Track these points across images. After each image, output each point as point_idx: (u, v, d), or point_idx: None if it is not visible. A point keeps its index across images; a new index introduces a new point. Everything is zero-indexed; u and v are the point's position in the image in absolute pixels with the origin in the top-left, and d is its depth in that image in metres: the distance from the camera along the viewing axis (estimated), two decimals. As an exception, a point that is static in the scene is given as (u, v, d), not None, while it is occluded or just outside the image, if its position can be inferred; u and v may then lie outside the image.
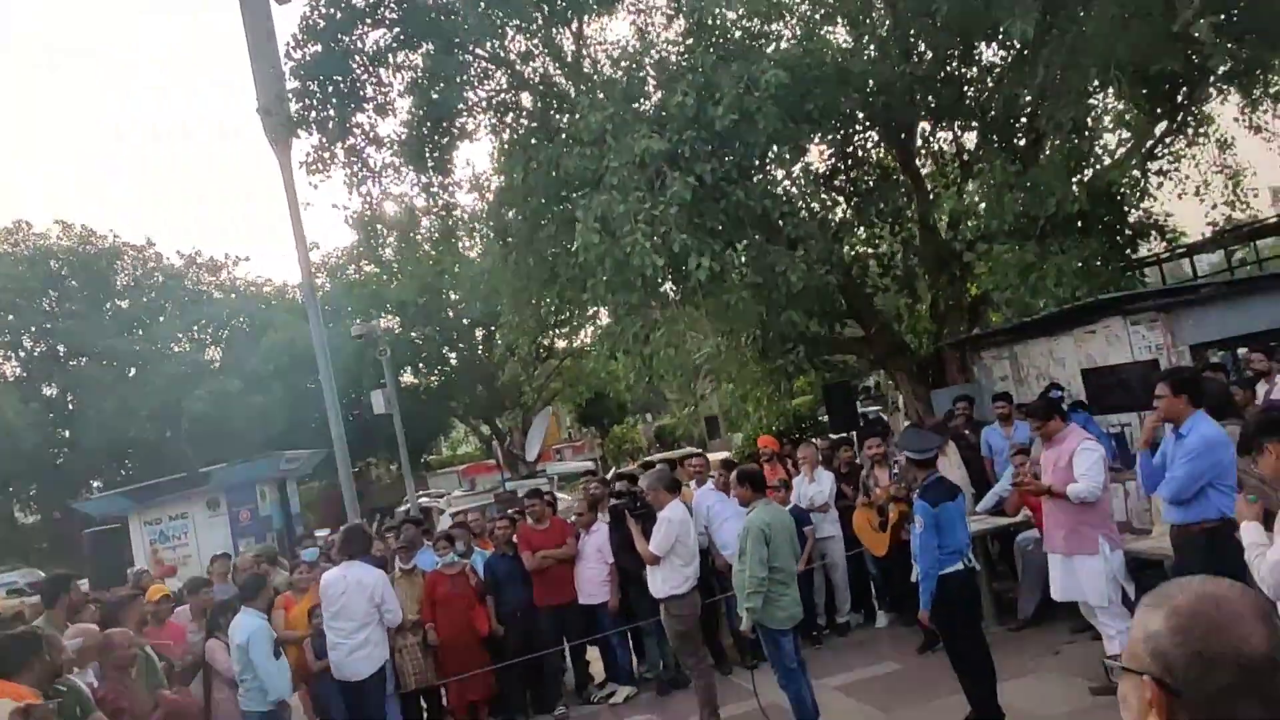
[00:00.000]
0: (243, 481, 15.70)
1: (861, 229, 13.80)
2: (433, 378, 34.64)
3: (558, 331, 20.85)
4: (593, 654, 8.58)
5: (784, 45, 11.91)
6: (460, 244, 18.87)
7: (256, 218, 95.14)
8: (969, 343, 13.37)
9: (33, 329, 29.65)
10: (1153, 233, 12.86)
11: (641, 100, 11.63)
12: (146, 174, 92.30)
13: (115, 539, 13.52)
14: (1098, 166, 11.30)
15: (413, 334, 30.96)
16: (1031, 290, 10.57)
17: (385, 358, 18.19)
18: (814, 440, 9.83)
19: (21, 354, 30.27)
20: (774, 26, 12.58)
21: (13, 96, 79.01)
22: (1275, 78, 11.28)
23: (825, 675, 7.15)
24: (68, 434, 29.88)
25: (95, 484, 29.20)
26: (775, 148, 11.22)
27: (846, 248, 13.24)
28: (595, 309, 13.14)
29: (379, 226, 14.86)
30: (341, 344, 19.77)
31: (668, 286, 11.30)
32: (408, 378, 32.46)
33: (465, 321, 32.44)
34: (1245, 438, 3.78)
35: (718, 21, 11.56)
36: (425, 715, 8.11)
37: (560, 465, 25.15)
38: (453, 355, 34.03)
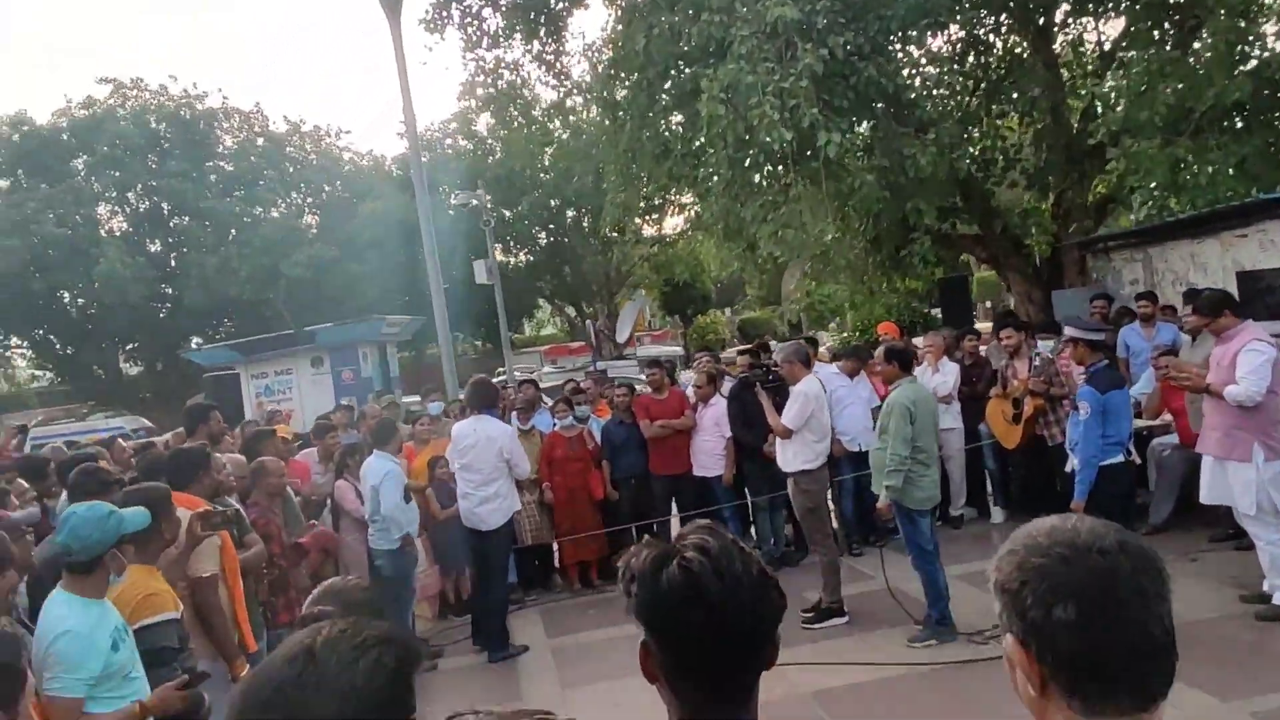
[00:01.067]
0: (346, 342, 16.02)
1: (988, 118, 13.08)
2: (521, 256, 34.76)
3: (658, 213, 20.60)
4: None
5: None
6: (568, 116, 18.55)
7: (359, 91, 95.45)
8: (1093, 243, 12.78)
9: (138, 186, 30.31)
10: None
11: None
12: (258, 39, 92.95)
13: (233, 384, 13.99)
14: (1264, 55, 10.41)
15: (504, 211, 30.92)
16: (1178, 189, 9.96)
17: (489, 228, 18.18)
18: (942, 331, 9.54)
19: (128, 209, 31.04)
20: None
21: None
22: None
23: (949, 563, 7.05)
24: (170, 290, 30.78)
25: (195, 340, 30.21)
26: (911, 23, 10.59)
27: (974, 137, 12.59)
28: (707, 186, 12.79)
29: (490, 91, 14.53)
30: (438, 217, 19.77)
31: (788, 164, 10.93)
32: (498, 256, 32.59)
33: (555, 202, 32.30)
34: None
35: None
36: (538, 570, 8.31)
37: (649, 349, 25.16)
38: (542, 235, 34.02)
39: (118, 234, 30.47)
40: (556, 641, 7.14)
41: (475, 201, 20.17)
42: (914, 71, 11.46)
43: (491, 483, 6.74)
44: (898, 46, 11.27)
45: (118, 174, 29.42)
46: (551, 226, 33.45)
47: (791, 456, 6.57)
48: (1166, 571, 1.15)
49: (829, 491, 8.53)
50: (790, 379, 6.62)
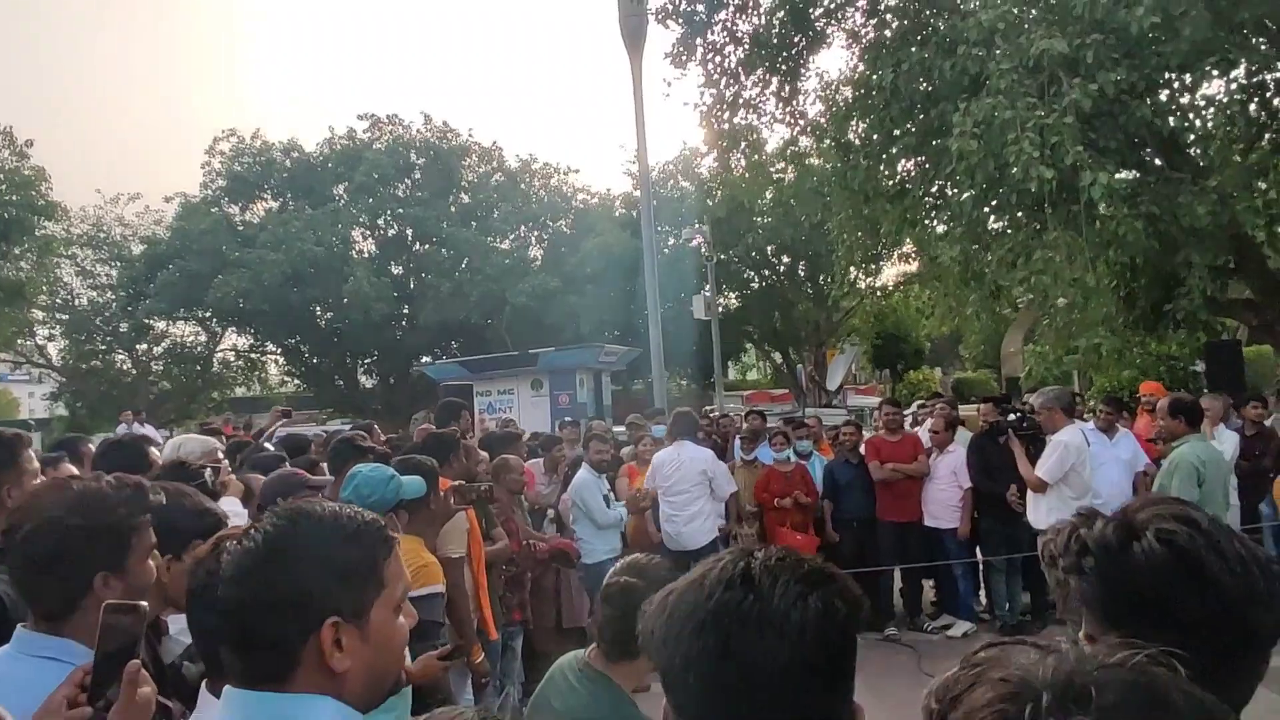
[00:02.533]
0: (566, 366, 16.43)
1: (1275, 170, 11.84)
2: (732, 299, 34.81)
3: (878, 261, 20.03)
4: (927, 581, 8.09)
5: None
6: (798, 157, 18.39)
7: (590, 130, 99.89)
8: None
9: (388, 212, 32.65)
10: None
11: (1039, 2, 10.50)
12: (499, 79, 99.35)
13: (468, 396, 14.59)
14: None
15: (718, 253, 31.11)
16: None
17: (711, 263, 18.24)
18: (1220, 394, 8.58)
19: (377, 234, 33.48)
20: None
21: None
22: None
23: None
24: (407, 310, 32.86)
25: (424, 359, 32.04)
26: (1195, 60, 9.73)
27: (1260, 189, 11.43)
28: (947, 228, 12.23)
29: (724, 127, 14.61)
30: (655, 255, 20.14)
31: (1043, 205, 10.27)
32: (708, 294, 32.87)
33: (770, 247, 32.19)
34: None
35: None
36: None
37: (862, 399, 24.45)
38: (754, 280, 33.94)
39: (367, 255, 32.89)
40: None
41: (699, 237, 20.32)
42: (1192, 114, 10.53)
43: (695, 501, 6.96)
44: (1175, 86, 10.41)
45: (370, 200, 31.82)
46: (765, 271, 33.31)
47: (1045, 513, 6.03)
48: None
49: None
50: (1049, 427, 6.08)
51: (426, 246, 32.76)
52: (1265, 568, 0.99)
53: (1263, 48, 10.44)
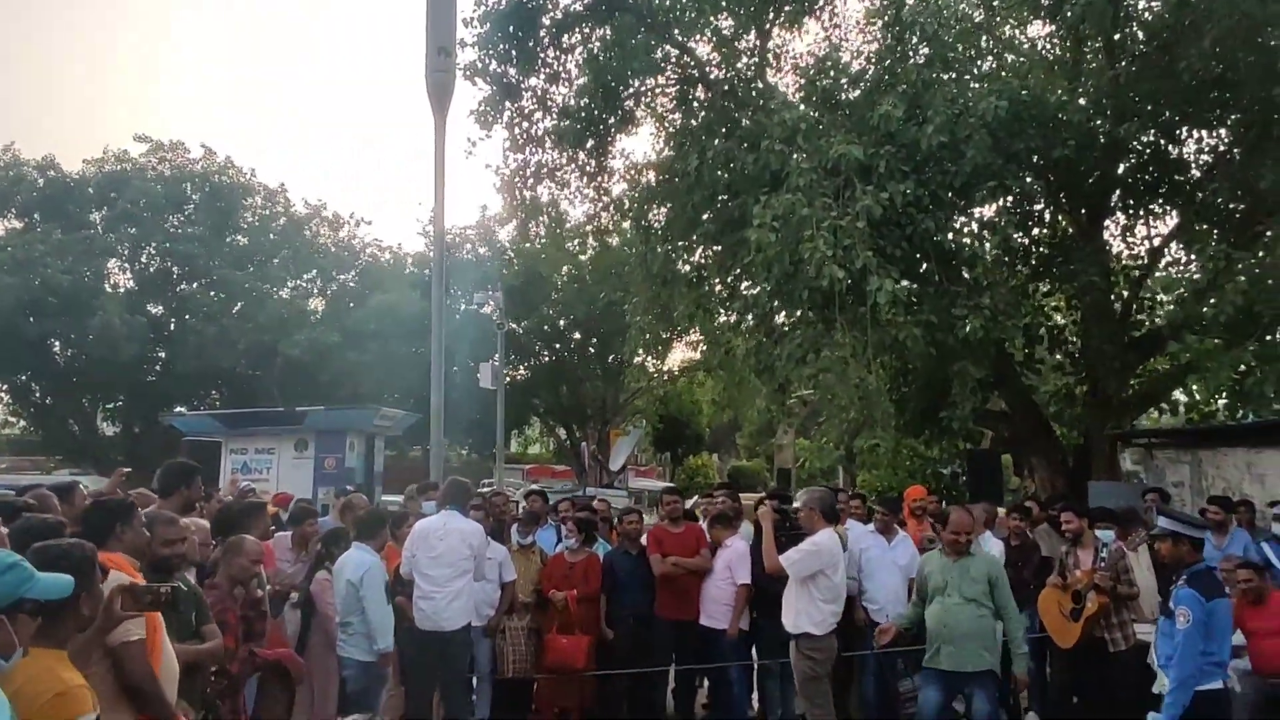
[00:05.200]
0: (336, 428, 15.28)
1: (1034, 295, 12.74)
2: (521, 371, 34.29)
3: (666, 346, 20.18)
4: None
5: (993, 77, 11.06)
6: (598, 234, 18.32)
7: (388, 184, 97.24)
8: (1131, 438, 12.24)
9: (153, 245, 30.00)
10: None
11: (839, 108, 10.88)
12: (291, 119, 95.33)
13: (213, 454, 13.15)
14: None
15: (511, 324, 30.66)
16: (1242, 395, 9.45)
17: (502, 331, 17.67)
18: (982, 504, 8.82)
19: (138, 267, 30.63)
20: (981, 59, 11.77)
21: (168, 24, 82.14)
22: None
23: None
24: (163, 354, 30.10)
25: (179, 409, 29.35)
26: (974, 183, 10.31)
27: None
28: (728, 319, 12.33)
29: (525, 194, 14.27)
30: (445, 319, 19.41)
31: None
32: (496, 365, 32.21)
33: (563, 322, 32.06)
34: None
35: (925, 35, 10.67)
36: (515, 710, 7.33)
37: (643, 481, 24.35)
38: (545, 353, 33.63)
39: (122, 290, 29.99)
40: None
41: (491, 304, 19.74)
42: (970, 233, 11.14)
43: (461, 577, 6.37)
44: (956, 205, 10.99)
45: (134, 230, 29.18)
46: (556, 345, 33.06)
47: (795, 614, 5.88)
48: None
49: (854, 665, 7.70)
50: (808, 528, 5.94)
51: (194, 286, 30.28)
52: None
53: (1028, 180, 11.25)
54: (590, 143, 13.91)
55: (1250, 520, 8.24)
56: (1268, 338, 9.42)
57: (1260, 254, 10.16)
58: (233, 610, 4.46)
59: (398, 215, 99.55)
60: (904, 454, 13.99)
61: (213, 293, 29.77)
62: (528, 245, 28.42)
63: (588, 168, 14.31)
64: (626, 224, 15.36)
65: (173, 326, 30.35)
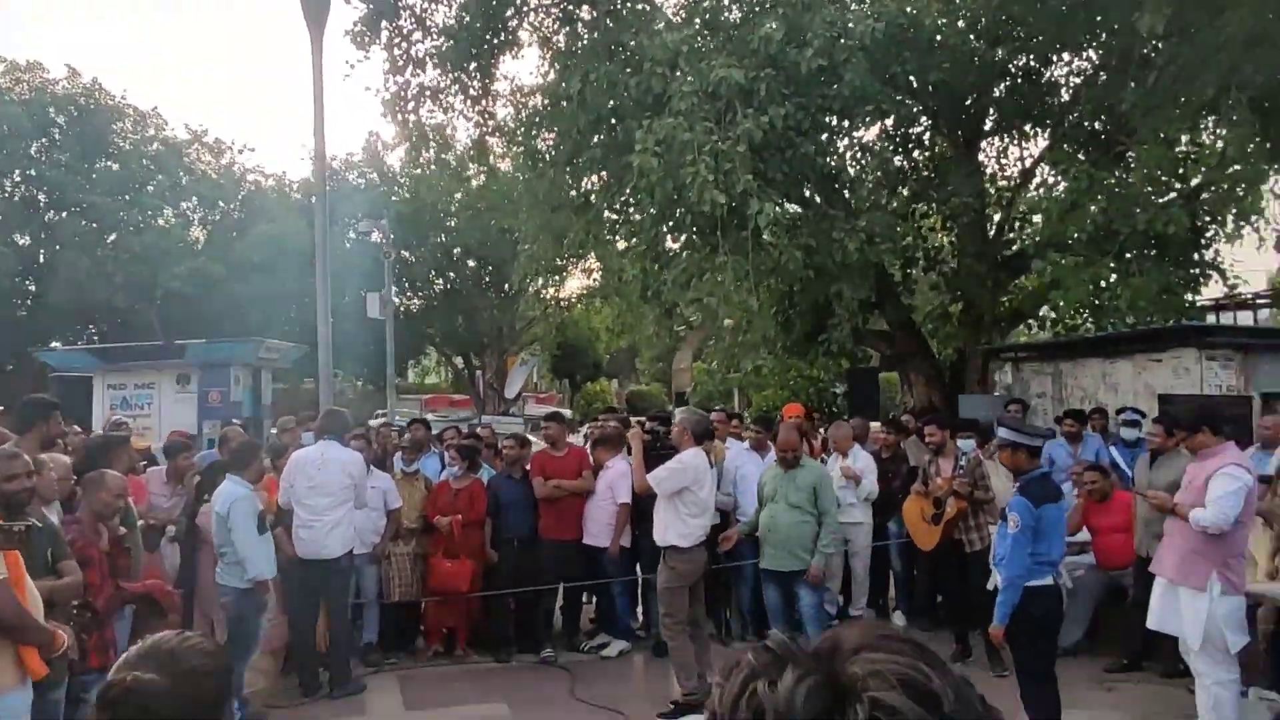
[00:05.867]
0: (219, 361, 14.83)
1: (913, 218, 13.10)
2: (415, 300, 33.74)
3: (562, 273, 20.12)
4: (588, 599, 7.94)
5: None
6: (486, 159, 17.99)
7: (268, 109, 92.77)
8: (1001, 352, 12.83)
9: (16, 173, 28.23)
10: (1214, 275, 12.27)
11: (721, 30, 10.86)
12: (167, 42, 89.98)
13: (84, 390, 12.66)
14: (1186, 189, 10.62)
15: (404, 252, 30.02)
16: (1098, 309, 9.97)
17: (388, 260, 17.31)
18: (848, 419, 9.18)
19: (2, 196, 28.81)
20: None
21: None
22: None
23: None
24: (33, 287, 28.60)
25: (54, 344, 28.03)
26: (852, 107, 10.47)
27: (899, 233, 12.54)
28: (628, 245, 12.36)
29: (409, 119, 13.91)
30: (333, 248, 18.93)
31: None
32: (391, 295, 31.60)
33: (457, 250, 31.56)
34: None
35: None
36: (403, 633, 7.44)
37: (539, 409, 24.43)
38: (439, 282, 33.12)
39: (-17, 219, 28.25)
40: (414, 715, 6.29)
41: (377, 233, 19.27)
42: (849, 157, 11.35)
43: (340, 506, 6.42)
44: (836, 129, 11.16)
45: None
46: (451, 274, 32.56)
47: (663, 529, 6.12)
48: None
49: (729, 577, 8.01)
50: (679, 445, 6.16)
51: (63, 215, 28.66)
52: None
53: (907, 103, 11.47)
54: (473, 65, 13.59)
55: (1104, 427, 8.79)
56: (1125, 255, 9.92)
57: (1120, 174, 10.65)
58: (95, 546, 4.39)
59: (283, 142, 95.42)
60: (791, 374, 14.35)
61: (84, 222, 28.23)
62: (418, 171, 27.72)
63: (471, 90, 14.00)
64: (515, 149, 15.13)
65: (42, 258, 28.79)
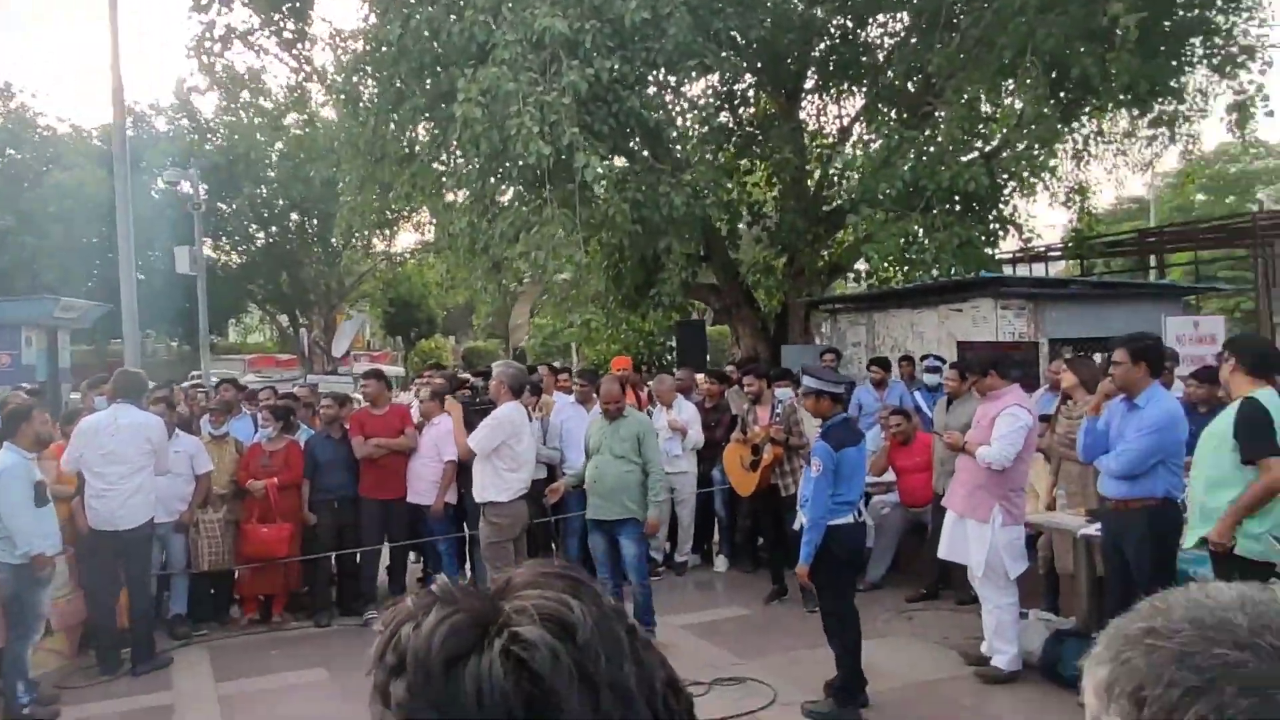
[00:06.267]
0: (8, 321, 13.66)
1: (738, 173, 13.36)
2: (234, 255, 32.03)
3: (392, 226, 19.49)
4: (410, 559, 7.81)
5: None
6: (305, 107, 17.16)
7: (64, 53, 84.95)
8: (821, 304, 13.33)
9: None
10: (1010, 229, 13.10)
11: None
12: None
13: None
14: (986, 149, 11.25)
15: (220, 204, 28.37)
16: (906, 262, 10.48)
17: (199, 212, 16.28)
18: (672, 372, 9.34)
19: None
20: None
21: None
22: (1168, 102, 11.54)
23: (669, 613, 6.71)
24: None
25: None
26: (677, 61, 10.51)
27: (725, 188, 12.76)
28: (453, 198, 12.08)
29: (218, 62, 13.10)
30: (139, 199, 17.64)
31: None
32: (207, 250, 29.82)
33: (281, 202, 30.08)
34: None
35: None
36: (215, 602, 7.11)
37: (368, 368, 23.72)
38: (261, 235, 31.52)
39: None
40: (225, 687, 6.03)
41: (186, 183, 18.09)
42: (675, 111, 11.41)
43: (138, 473, 6.05)
44: (662, 83, 11.20)
45: None
46: (273, 228, 31.00)
47: (481, 486, 6.10)
48: None
49: (554, 530, 8.06)
50: (496, 399, 6.14)
51: None
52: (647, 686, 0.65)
53: (731, 58, 11.63)
54: (286, 5, 12.88)
55: (911, 373, 9.29)
56: (932, 211, 10.43)
57: (928, 133, 11.17)
58: None
59: (85, 91, 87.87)
60: (623, 328, 14.46)
61: None
62: (232, 119, 26.17)
63: (285, 33, 13.27)
64: (337, 97, 14.47)
65: None
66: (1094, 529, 5.22)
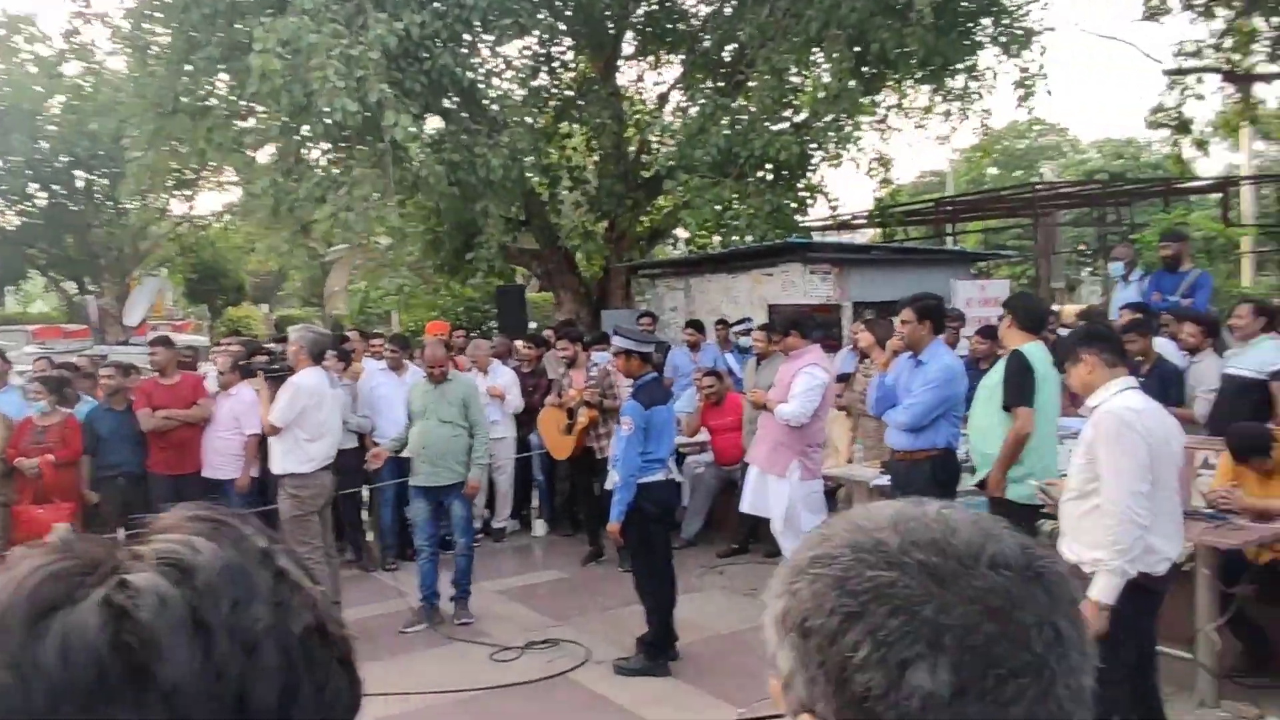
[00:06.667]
0: None
1: (557, 137, 13.24)
2: (10, 216, 29.30)
3: (192, 187, 18.24)
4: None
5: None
6: (86, 56, 15.77)
7: None
8: (640, 269, 13.46)
9: None
10: (819, 197, 13.57)
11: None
12: None
13: None
14: (796, 119, 11.58)
15: (-8, 160, 25.86)
16: (721, 227, 10.70)
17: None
18: (490, 338, 9.21)
19: None
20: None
21: None
22: (961, 78, 12.20)
23: (486, 579, 6.65)
24: None
25: None
26: (491, 19, 10.28)
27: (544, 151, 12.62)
28: (254, 156, 11.41)
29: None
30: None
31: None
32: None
33: (63, 159, 27.67)
34: (1066, 348, 3.73)
35: None
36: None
37: (180, 337, 22.21)
38: (42, 195, 28.93)
39: None
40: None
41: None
42: (492, 72, 11.17)
43: None
44: (477, 40, 10.92)
45: None
46: (55, 187, 28.49)
47: (280, 456, 5.89)
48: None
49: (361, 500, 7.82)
50: (295, 368, 5.89)
51: None
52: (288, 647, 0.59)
53: (548, 19, 11.47)
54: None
55: (726, 336, 9.51)
56: (745, 178, 10.68)
57: (741, 102, 11.40)
58: None
59: None
60: (442, 294, 14.14)
61: None
62: (2, 66, 23.84)
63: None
64: (120, 43, 13.35)
65: None
66: (886, 480, 5.52)
